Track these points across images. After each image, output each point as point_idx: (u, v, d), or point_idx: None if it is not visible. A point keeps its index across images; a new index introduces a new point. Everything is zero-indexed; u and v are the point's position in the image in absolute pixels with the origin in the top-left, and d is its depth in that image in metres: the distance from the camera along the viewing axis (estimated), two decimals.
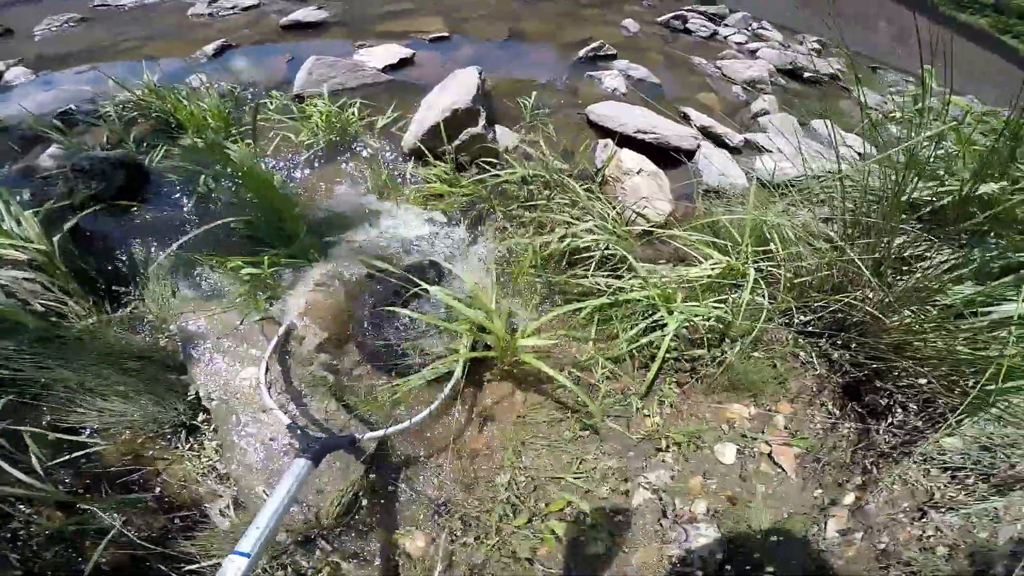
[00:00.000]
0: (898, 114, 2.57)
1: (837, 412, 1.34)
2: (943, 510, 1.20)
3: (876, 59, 5.84)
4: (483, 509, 1.04)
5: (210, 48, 2.45)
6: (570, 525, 1.01)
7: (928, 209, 1.65)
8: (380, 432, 0.95)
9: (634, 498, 1.09)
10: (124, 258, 1.31)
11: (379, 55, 2.24)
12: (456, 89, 1.73)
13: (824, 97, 3.39)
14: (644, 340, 1.26)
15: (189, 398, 1.06)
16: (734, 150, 2.13)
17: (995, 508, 1.17)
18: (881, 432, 1.27)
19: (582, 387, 1.17)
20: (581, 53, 2.56)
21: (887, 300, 1.18)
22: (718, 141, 2.15)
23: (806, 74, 3.65)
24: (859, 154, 1.82)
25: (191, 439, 1.05)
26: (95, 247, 1.32)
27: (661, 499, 1.09)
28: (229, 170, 1.33)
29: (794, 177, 1.73)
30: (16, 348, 0.94)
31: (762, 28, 4.61)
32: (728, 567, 1.01)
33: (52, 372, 0.97)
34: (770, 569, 1.00)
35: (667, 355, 1.26)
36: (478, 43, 2.59)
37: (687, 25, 3.77)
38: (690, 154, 1.94)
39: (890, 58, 5.99)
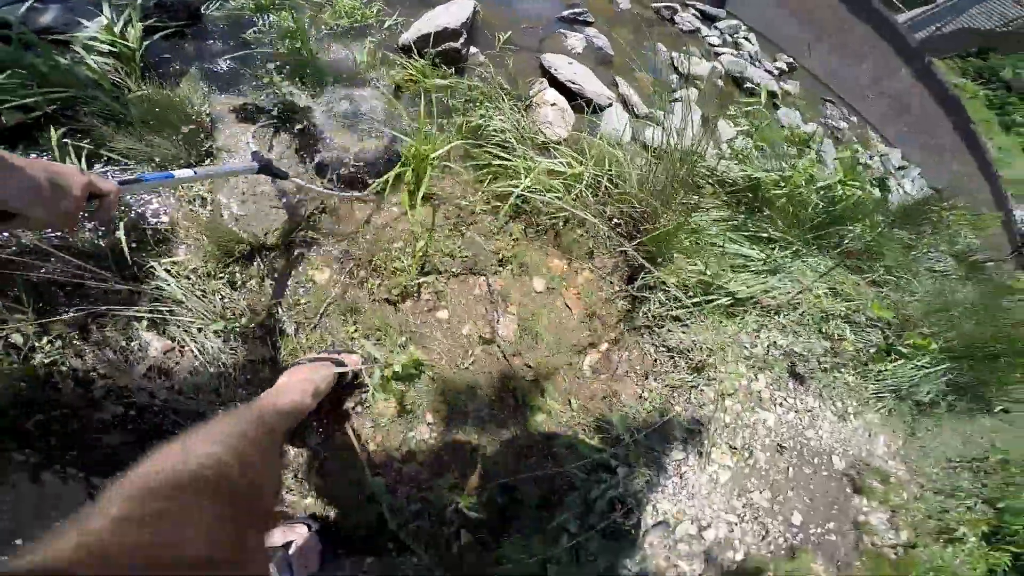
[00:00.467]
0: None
1: (617, 288, 2.26)
2: (657, 378, 2.13)
3: (832, 91, 6.58)
4: (376, 260, 1.89)
5: None
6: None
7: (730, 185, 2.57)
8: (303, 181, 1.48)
9: (475, 289, 1.97)
10: (177, 65, 2.01)
11: None
12: (452, 13, 2.46)
13: (752, 109, 4.18)
14: (510, 192, 2.10)
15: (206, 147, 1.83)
16: (638, 117, 2.96)
17: (690, 383, 2.03)
18: (639, 313, 2.21)
19: (465, 211, 2.05)
20: (564, 12, 3.28)
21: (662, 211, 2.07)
22: (629, 108, 2.96)
23: (747, 84, 4.42)
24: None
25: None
26: (161, 59, 2.01)
27: (491, 292, 1.97)
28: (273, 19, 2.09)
29: (659, 145, 2.59)
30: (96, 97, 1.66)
31: (746, 39, 5.27)
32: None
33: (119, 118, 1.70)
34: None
35: (521, 209, 2.14)
36: None
37: (675, 16, 4.44)
38: (601, 108, 2.76)
39: (853, 97, 6.75)
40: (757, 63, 5.12)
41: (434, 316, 1.81)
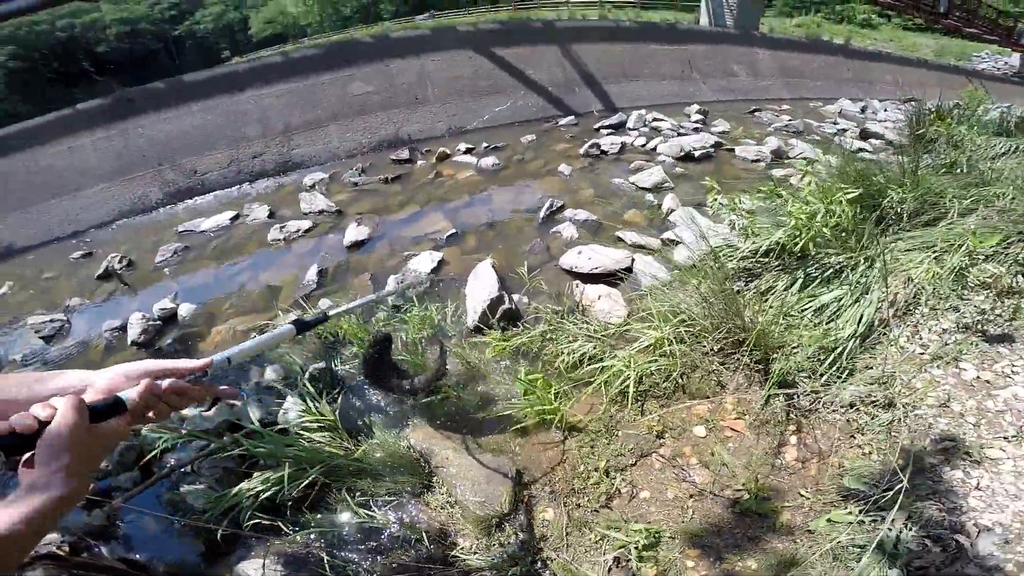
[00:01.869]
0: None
1: (764, 392, 2.44)
2: (863, 432, 2.02)
3: (751, 99, 7.33)
4: (575, 485, 2.15)
5: (312, 274, 3.68)
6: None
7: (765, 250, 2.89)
8: (343, 308, 1.18)
9: (654, 465, 2.19)
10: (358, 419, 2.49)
11: (424, 261, 3.55)
12: (484, 282, 3.01)
13: (715, 169, 4.70)
14: (627, 388, 2.39)
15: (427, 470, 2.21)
16: (657, 251, 3.40)
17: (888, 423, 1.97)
18: (799, 397, 2.38)
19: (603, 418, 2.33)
20: (541, 215, 3.92)
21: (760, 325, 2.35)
22: (645, 250, 3.42)
23: (697, 153, 5.03)
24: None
25: None
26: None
27: (667, 459, 2.19)
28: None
29: (695, 256, 2.97)
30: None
31: (655, 120, 6.10)
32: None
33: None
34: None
35: (640, 389, 2.42)
36: (474, 230, 3.95)
37: (601, 148, 5.24)
38: (629, 269, 3.20)
39: (758, 93, 7.50)
40: (681, 131, 5.84)
41: (640, 499, 2.03)
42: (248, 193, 5.96)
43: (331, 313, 1.02)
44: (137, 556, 2.12)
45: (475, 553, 1.91)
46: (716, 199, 3.01)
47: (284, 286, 3.66)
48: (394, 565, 1.90)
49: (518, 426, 2.32)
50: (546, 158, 5.39)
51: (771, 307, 2.58)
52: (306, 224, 4.47)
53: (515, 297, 3.05)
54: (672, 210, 3.89)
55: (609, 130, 5.94)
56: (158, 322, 3.49)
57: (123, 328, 3.51)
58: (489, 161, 5.33)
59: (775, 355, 2.41)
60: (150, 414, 0.72)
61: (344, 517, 2.06)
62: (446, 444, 2.28)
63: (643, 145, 5.35)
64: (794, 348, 2.40)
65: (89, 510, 2.25)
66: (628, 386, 2.32)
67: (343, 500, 2.06)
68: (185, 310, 3.58)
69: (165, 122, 6.52)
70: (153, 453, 2.38)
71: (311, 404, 2.33)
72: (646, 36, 7.49)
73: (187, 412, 2.65)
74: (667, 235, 3.52)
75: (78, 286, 4.59)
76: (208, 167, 6.30)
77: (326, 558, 1.84)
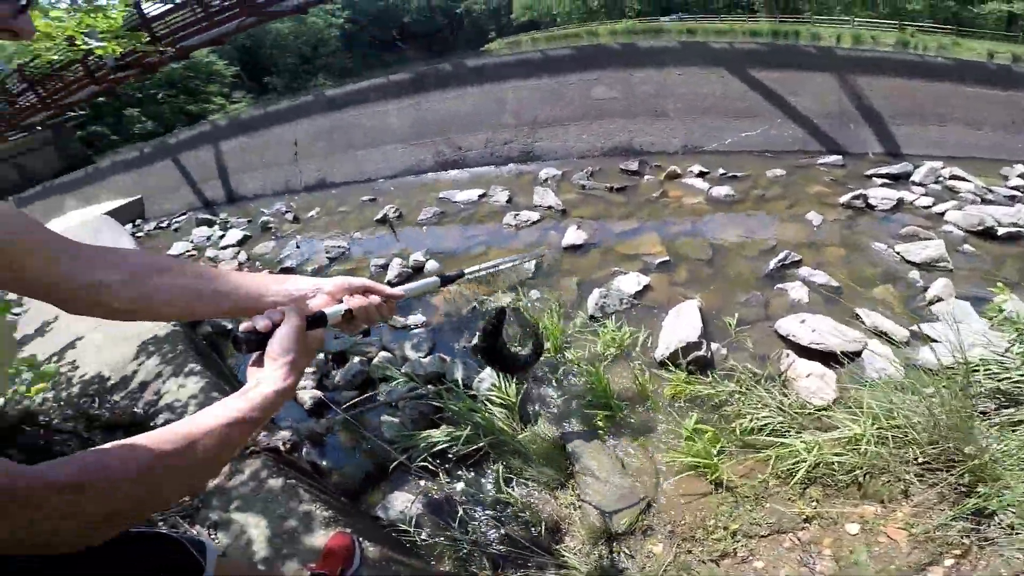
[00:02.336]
0: None
1: (950, 513, 1.99)
2: None
3: None
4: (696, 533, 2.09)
5: (531, 264, 4.13)
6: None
7: None
8: (480, 267, 1.19)
9: (784, 543, 2.01)
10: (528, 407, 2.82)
11: (629, 283, 3.67)
12: (685, 322, 2.99)
13: (1021, 258, 3.68)
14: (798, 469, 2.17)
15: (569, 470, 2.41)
16: (900, 345, 2.87)
17: None
18: (987, 526, 1.91)
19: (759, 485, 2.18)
20: (770, 265, 3.63)
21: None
22: (885, 337, 2.92)
23: (1001, 231, 3.92)
24: None
25: None
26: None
27: (801, 542, 1.98)
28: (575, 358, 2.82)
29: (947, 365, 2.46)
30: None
31: (954, 177, 4.91)
32: None
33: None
34: None
35: (813, 475, 2.16)
36: (689, 261, 3.88)
37: (868, 201, 4.46)
38: (857, 354, 2.79)
39: None
40: (989, 196, 4.62)
41: (751, 567, 1.93)
42: (496, 174, 6.86)
43: (467, 271, 1.10)
44: (324, 463, 2.76)
45: (575, 554, 2.08)
46: (1004, 302, 2.39)
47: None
48: (506, 538, 2.16)
49: (668, 463, 2.36)
50: (793, 199, 4.87)
51: (1018, 439, 2.01)
52: (535, 216, 5.00)
53: (713, 346, 2.96)
54: (939, 299, 3.20)
55: (885, 180, 5.02)
56: (409, 269, 4.40)
57: (384, 267, 4.52)
58: (723, 190, 5.07)
59: (988, 486, 1.92)
60: (358, 321, 0.80)
61: (488, 486, 2.41)
62: (594, 454, 2.45)
63: (927, 207, 4.41)
64: (1020, 485, 1.86)
65: (318, 417, 3.04)
66: (800, 469, 2.13)
67: (495, 471, 2.39)
68: (431, 265, 4.42)
69: (447, 101, 7.85)
70: (376, 382, 3.08)
71: (502, 382, 2.71)
72: (963, 76, 5.98)
73: (410, 354, 3.32)
74: (921, 327, 2.94)
75: (361, 223, 6.00)
76: (470, 145, 7.43)
77: (460, 512, 2.19)
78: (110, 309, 0.68)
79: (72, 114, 16.75)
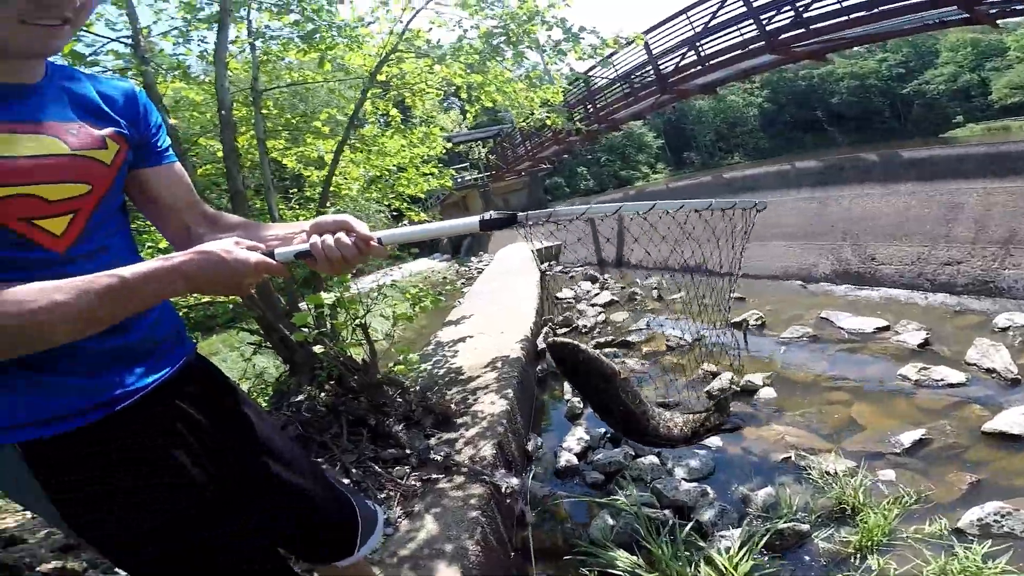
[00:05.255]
0: None
1: None
2: None
3: None
4: None
5: (906, 438, 2.73)
6: None
7: None
8: (538, 212, 1.06)
9: None
10: None
11: None
12: None
13: None
14: None
15: None
16: None
17: None
18: None
19: None
20: None
21: None
22: None
23: None
24: None
25: None
26: None
27: None
28: None
29: None
30: None
31: None
32: None
33: None
34: None
35: None
36: None
37: None
38: None
39: None
40: None
41: None
42: (917, 304, 5.25)
43: (520, 216, 0.99)
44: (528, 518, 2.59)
45: None
46: None
47: (869, 427, 3.16)
48: None
49: None
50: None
51: None
52: (956, 377, 3.52)
53: None
54: None
55: None
56: (736, 388, 3.93)
57: (715, 375, 4.15)
58: None
59: None
60: (324, 260, 0.83)
61: None
62: None
63: None
64: None
65: (569, 478, 3.02)
66: None
67: None
68: (765, 393, 3.80)
69: (865, 197, 6.54)
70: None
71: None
72: None
73: (677, 471, 2.88)
74: None
75: (717, 317, 5.72)
76: (888, 258, 5.92)
77: None
78: None
79: (544, 167, 23.20)
